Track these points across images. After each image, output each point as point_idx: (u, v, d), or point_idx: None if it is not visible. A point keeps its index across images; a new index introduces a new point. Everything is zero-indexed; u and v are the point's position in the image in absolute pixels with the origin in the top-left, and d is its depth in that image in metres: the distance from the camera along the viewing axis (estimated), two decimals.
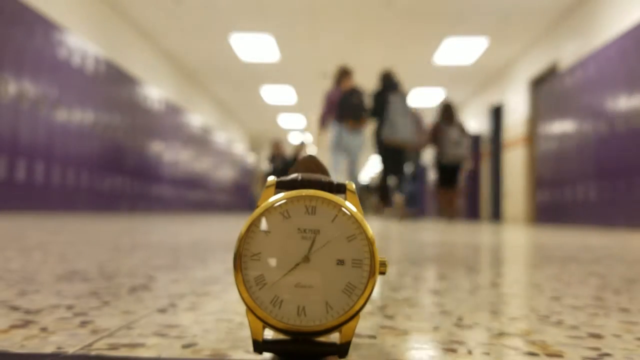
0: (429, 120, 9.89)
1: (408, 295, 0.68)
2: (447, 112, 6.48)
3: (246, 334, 0.43)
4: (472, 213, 9.62)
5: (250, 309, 0.35)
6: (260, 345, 0.35)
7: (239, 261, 0.35)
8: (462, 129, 6.46)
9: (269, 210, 0.36)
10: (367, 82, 9.85)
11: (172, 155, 8.36)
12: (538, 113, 7.10)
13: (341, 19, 6.90)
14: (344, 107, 5.70)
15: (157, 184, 7.70)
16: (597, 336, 0.46)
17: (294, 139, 12.78)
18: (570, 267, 1.11)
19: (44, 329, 0.43)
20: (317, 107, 11.99)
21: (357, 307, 0.35)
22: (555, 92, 6.36)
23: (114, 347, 0.38)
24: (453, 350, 0.40)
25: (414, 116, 6.13)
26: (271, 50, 8.05)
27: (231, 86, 10.37)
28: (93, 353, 0.37)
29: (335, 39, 7.67)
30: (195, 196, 9.55)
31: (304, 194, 0.36)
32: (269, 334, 0.37)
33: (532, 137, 7.40)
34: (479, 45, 7.68)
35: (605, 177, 5.06)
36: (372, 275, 0.35)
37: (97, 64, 5.86)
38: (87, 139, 5.64)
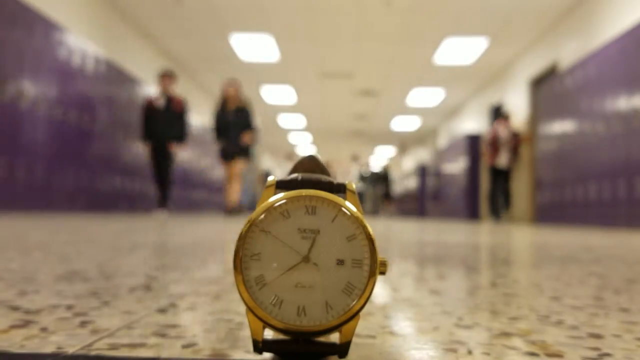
0: None
1: (409, 295, 0.68)
2: None
3: (246, 334, 0.43)
4: (472, 213, 9.62)
5: (250, 309, 0.35)
6: (260, 345, 0.35)
7: (239, 261, 0.35)
8: None
9: (269, 210, 0.36)
10: (366, 82, 9.86)
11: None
12: (538, 113, 7.10)
13: (341, 18, 6.90)
14: None
15: None
16: (597, 336, 0.46)
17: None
18: (570, 267, 1.11)
19: (44, 329, 0.43)
20: (316, 106, 12.01)
21: (357, 307, 0.35)
22: (555, 92, 6.36)
23: (114, 347, 0.38)
24: (453, 350, 0.40)
25: None
26: (271, 50, 8.05)
27: None
28: (93, 353, 0.37)
29: (335, 39, 7.67)
30: (195, 196, 9.54)
31: (304, 194, 0.36)
32: (269, 334, 0.37)
33: (532, 137, 7.40)
34: (479, 45, 7.68)
35: (605, 177, 5.06)
36: (372, 275, 0.35)
37: (97, 64, 5.86)
38: (87, 139, 5.64)
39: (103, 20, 6.40)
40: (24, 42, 4.50)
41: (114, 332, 0.43)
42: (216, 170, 10.95)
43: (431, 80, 9.64)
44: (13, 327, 0.44)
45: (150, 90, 7.43)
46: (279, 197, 0.36)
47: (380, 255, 0.36)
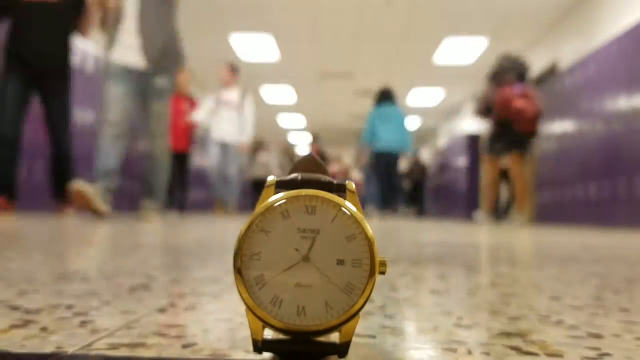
0: None
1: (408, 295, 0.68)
2: None
3: (246, 334, 0.43)
4: (472, 212, 9.61)
5: (250, 309, 0.35)
6: (260, 345, 0.35)
7: (239, 261, 0.35)
8: None
9: (269, 210, 0.36)
10: (366, 82, 9.86)
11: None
12: None
13: (341, 18, 6.90)
14: None
15: None
16: (597, 336, 0.46)
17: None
18: (570, 267, 1.11)
19: (44, 329, 0.43)
20: (316, 106, 12.01)
21: (357, 307, 0.35)
22: (555, 92, 6.36)
23: (114, 347, 0.38)
24: (453, 350, 0.40)
25: None
26: (271, 50, 8.05)
27: None
28: (93, 353, 0.37)
29: (335, 39, 7.67)
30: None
31: (304, 194, 0.36)
32: (269, 334, 0.37)
33: None
34: (479, 45, 7.68)
35: (605, 177, 5.06)
36: (372, 275, 0.35)
37: (97, 64, 5.86)
38: (88, 139, 5.64)
39: None
40: None
41: (114, 332, 0.43)
42: None
43: (431, 80, 9.64)
44: (13, 327, 0.44)
45: None
46: (279, 197, 0.36)
47: (380, 255, 0.36)
